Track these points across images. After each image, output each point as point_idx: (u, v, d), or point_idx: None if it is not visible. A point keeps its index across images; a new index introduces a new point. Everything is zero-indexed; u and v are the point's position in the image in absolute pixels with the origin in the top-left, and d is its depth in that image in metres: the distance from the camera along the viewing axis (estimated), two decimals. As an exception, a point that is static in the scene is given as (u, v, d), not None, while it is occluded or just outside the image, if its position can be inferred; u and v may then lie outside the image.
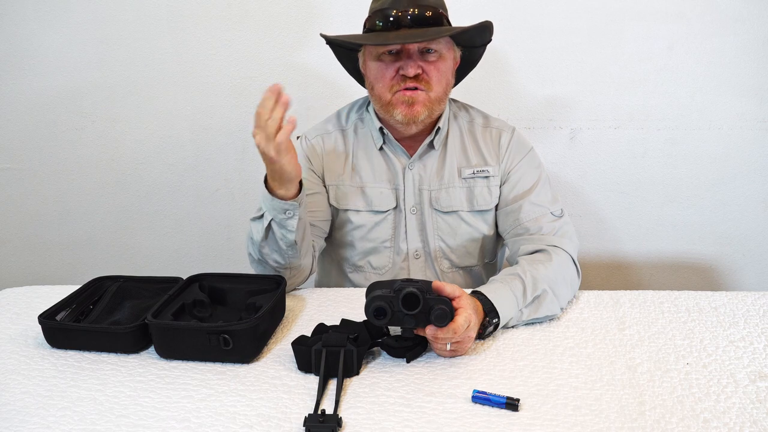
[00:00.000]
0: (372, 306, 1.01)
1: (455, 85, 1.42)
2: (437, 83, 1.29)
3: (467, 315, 1.02)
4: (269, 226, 1.22)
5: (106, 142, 2.07)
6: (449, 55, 1.32)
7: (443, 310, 1.00)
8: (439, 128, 1.37)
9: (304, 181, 1.37)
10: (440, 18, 1.26)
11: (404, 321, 1.02)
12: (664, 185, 1.98)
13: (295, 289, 1.35)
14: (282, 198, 1.18)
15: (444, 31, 1.25)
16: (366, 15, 1.33)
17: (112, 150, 2.08)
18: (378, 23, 1.26)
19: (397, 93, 1.28)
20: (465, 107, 1.46)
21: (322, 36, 1.32)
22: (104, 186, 2.12)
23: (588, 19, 1.84)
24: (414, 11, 1.23)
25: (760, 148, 1.92)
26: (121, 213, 2.15)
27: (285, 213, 1.19)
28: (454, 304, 1.02)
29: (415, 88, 1.27)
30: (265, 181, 1.20)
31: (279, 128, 1.10)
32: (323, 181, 1.42)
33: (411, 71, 1.25)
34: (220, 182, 2.10)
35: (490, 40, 1.35)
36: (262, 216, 1.23)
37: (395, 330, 1.08)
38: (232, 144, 2.05)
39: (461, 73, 1.43)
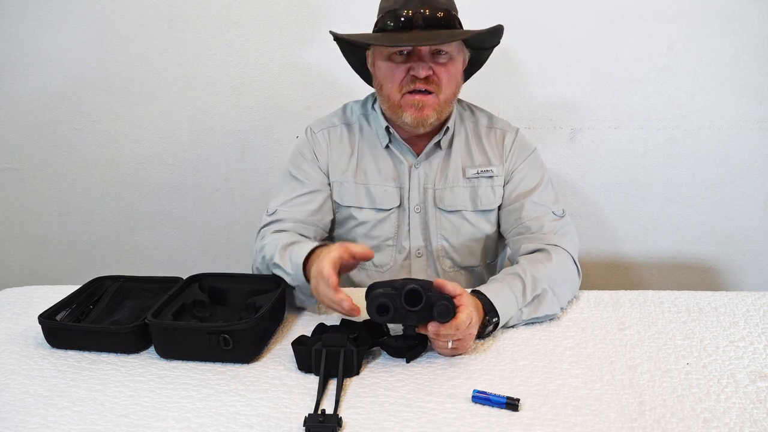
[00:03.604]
0: (375, 302, 1.01)
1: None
2: (447, 85, 1.28)
3: (469, 312, 1.02)
4: (293, 287, 1.21)
5: (106, 142, 2.07)
6: (459, 58, 1.31)
7: (446, 306, 1.00)
8: (447, 128, 1.37)
9: (308, 178, 1.38)
10: (452, 20, 1.26)
11: (407, 318, 1.02)
12: (664, 185, 1.98)
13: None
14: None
15: (458, 35, 1.24)
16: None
17: (112, 150, 2.08)
18: (389, 23, 1.25)
19: (406, 95, 1.28)
20: (470, 107, 1.46)
21: (332, 33, 1.31)
22: (104, 186, 2.12)
23: (588, 19, 1.84)
24: (426, 12, 1.22)
25: (760, 148, 1.92)
26: (121, 213, 2.15)
27: (311, 296, 1.18)
28: (456, 301, 1.02)
29: (425, 91, 1.27)
30: (305, 264, 1.17)
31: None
32: (327, 177, 1.41)
33: (422, 72, 1.25)
34: (220, 182, 2.10)
35: (499, 42, 1.35)
36: (288, 273, 1.20)
37: (395, 330, 1.08)
38: (232, 144, 2.05)
39: (467, 74, 1.43)
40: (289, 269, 1.19)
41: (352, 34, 1.31)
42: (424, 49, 1.25)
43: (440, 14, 1.23)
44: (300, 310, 1.25)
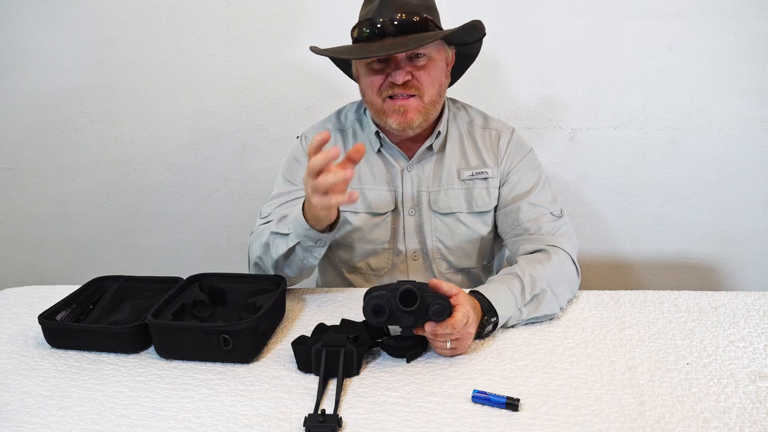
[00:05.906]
0: (370, 304, 1.01)
1: (457, 80, 1.42)
2: (429, 87, 1.28)
3: (465, 311, 1.02)
4: (293, 248, 1.21)
5: (106, 142, 2.07)
6: (440, 57, 1.30)
7: (441, 305, 1.00)
8: (439, 132, 1.37)
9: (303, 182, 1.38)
10: (426, 23, 1.25)
11: (402, 319, 1.02)
12: (664, 185, 1.98)
13: (295, 288, 1.35)
14: (315, 228, 1.17)
15: (426, 39, 1.22)
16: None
17: (112, 150, 2.08)
18: (365, 31, 1.25)
19: (387, 100, 1.28)
20: (464, 108, 1.46)
21: (312, 50, 1.32)
22: (104, 186, 2.13)
23: (588, 19, 1.84)
24: (401, 16, 1.22)
25: (760, 148, 1.92)
26: (121, 213, 2.15)
27: (316, 243, 1.19)
28: (452, 301, 1.03)
29: (407, 96, 1.26)
30: (303, 208, 1.17)
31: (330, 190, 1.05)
32: None
33: (400, 79, 1.24)
34: (220, 182, 2.10)
35: (483, 35, 1.34)
36: (286, 234, 1.22)
37: (395, 330, 1.08)
38: (232, 144, 2.05)
39: (461, 68, 1.42)
40: (287, 228, 1.21)
41: (328, 49, 1.31)
42: (400, 55, 1.25)
43: (415, 18, 1.23)
44: (299, 309, 1.25)
